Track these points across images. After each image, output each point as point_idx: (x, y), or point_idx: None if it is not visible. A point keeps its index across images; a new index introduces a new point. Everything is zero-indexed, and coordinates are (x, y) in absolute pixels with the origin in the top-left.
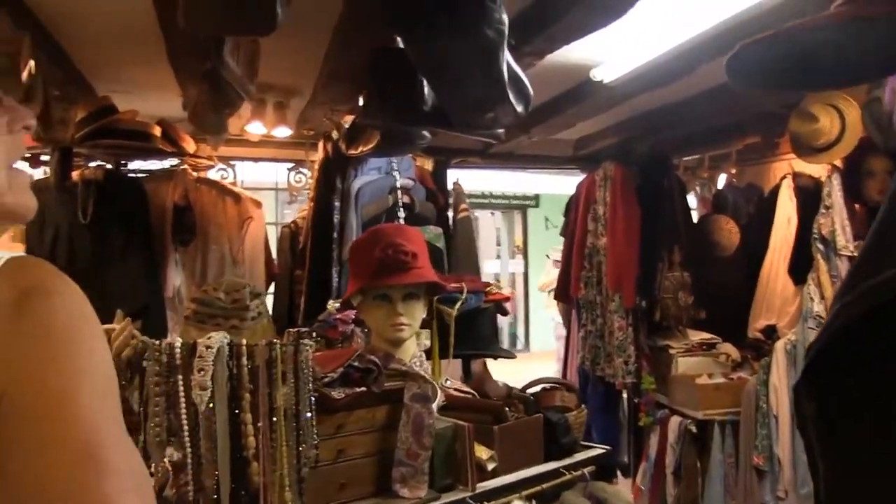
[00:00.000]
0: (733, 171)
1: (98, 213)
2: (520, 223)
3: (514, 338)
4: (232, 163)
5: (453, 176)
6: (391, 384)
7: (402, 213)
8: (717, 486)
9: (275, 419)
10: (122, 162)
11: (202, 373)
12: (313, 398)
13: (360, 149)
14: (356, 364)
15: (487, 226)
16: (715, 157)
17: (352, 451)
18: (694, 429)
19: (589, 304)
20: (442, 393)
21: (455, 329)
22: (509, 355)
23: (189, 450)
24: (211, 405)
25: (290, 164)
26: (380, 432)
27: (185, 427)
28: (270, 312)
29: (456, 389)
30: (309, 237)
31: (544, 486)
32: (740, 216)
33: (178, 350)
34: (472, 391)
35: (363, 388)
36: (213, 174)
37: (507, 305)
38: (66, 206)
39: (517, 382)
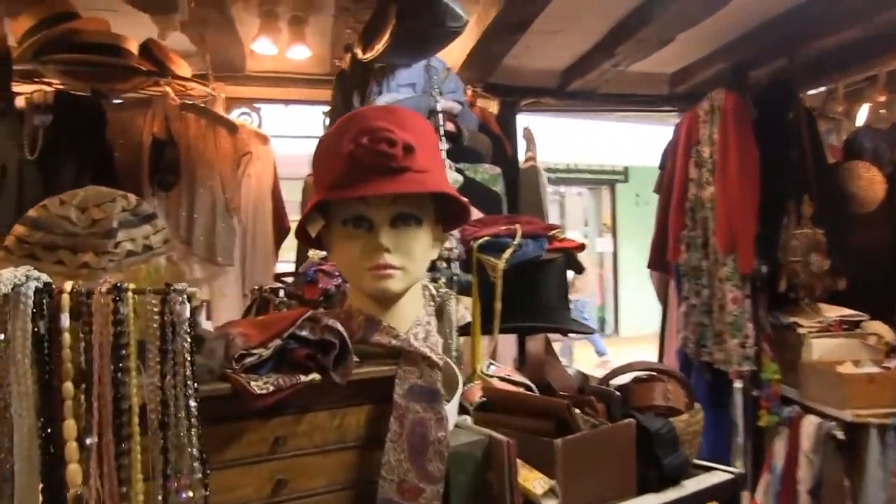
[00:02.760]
0: (882, 98)
1: (48, 145)
2: (608, 199)
3: (602, 322)
4: (256, 106)
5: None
6: (372, 370)
7: (443, 145)
8: None
9: (125, 431)
10: (101, 91)
11: None
12: (193, 392)
13: (375, 47)
14: (304, 334)
15: (574, 204)
16: (851, 91)
17: (301, 483)
18: (840, 434)
19: (692, 270)
20: (479, 384)
21: (505, 290)
22: (586, 329)
23: None
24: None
25: (328, 108)
26: (355, 451)
27: None
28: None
29: (502, 379)
30: None
31: None
32: (882, 164)
33: None
34: (526, 382)
35: (313, 377)
36: (235, 118)
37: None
38: (12, 139)
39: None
